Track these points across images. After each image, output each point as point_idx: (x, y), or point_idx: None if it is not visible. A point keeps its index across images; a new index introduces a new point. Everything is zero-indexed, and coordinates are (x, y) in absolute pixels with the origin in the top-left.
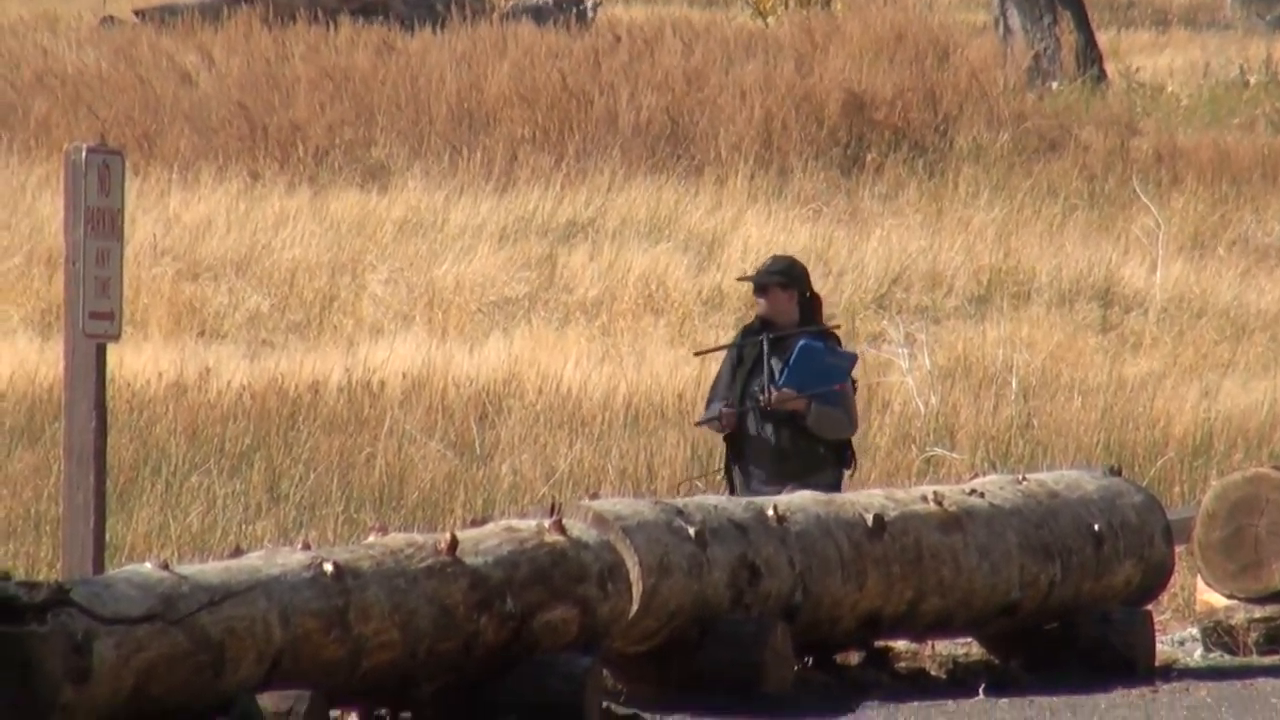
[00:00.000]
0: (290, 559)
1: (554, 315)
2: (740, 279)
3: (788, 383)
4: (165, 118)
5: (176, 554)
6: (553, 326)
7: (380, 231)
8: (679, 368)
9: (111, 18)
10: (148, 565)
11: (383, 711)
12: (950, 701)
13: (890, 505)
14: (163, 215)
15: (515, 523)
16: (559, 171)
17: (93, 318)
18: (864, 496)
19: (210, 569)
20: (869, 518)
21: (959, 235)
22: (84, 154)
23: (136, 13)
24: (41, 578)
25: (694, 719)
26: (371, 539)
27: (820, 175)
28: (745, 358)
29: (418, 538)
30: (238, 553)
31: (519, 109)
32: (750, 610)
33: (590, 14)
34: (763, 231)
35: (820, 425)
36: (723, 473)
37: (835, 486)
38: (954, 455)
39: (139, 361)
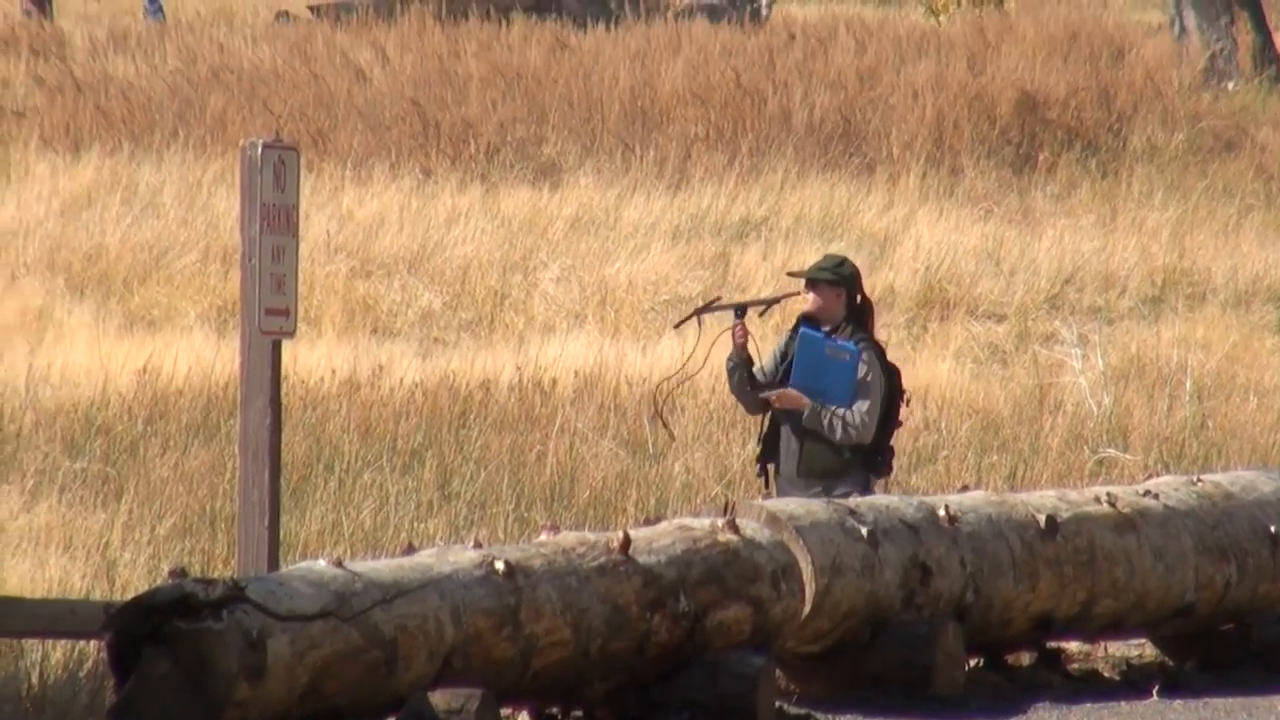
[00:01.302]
0: (462, 557)
1: (727, 314)
2: (791, 274)
3: (797, 381)
4: (339, 114)
5: (349, 551)
6: (725, 325)
7: (552, 229)
8: None
9: (287, 13)
10: (321, 562)
11: (554, 710)
12: (1123, 703)
13: (1063, 506)
14: (336, 212)
15: (688, 522)
16: (732, 170)
17: (268, 314)
18: (1036, 497)
19: (383, 566)
20: (1041, 519)
21: (1133, 235)
22: (260, 150)
23: (311, 8)
24: (217, 575)
25: (866, 718)
26: (543, 537)
27: (992, 174)
28: (789, 350)
29: (590, 536)
30: (410, 550)
31: (692, 107)
32: (922, 610)
33: (765, 12)
34: (934, 230)
35: (815, 426)
36: (759, 468)
37: (863, 493)
38: (1127, 456)
39: (313, 358)
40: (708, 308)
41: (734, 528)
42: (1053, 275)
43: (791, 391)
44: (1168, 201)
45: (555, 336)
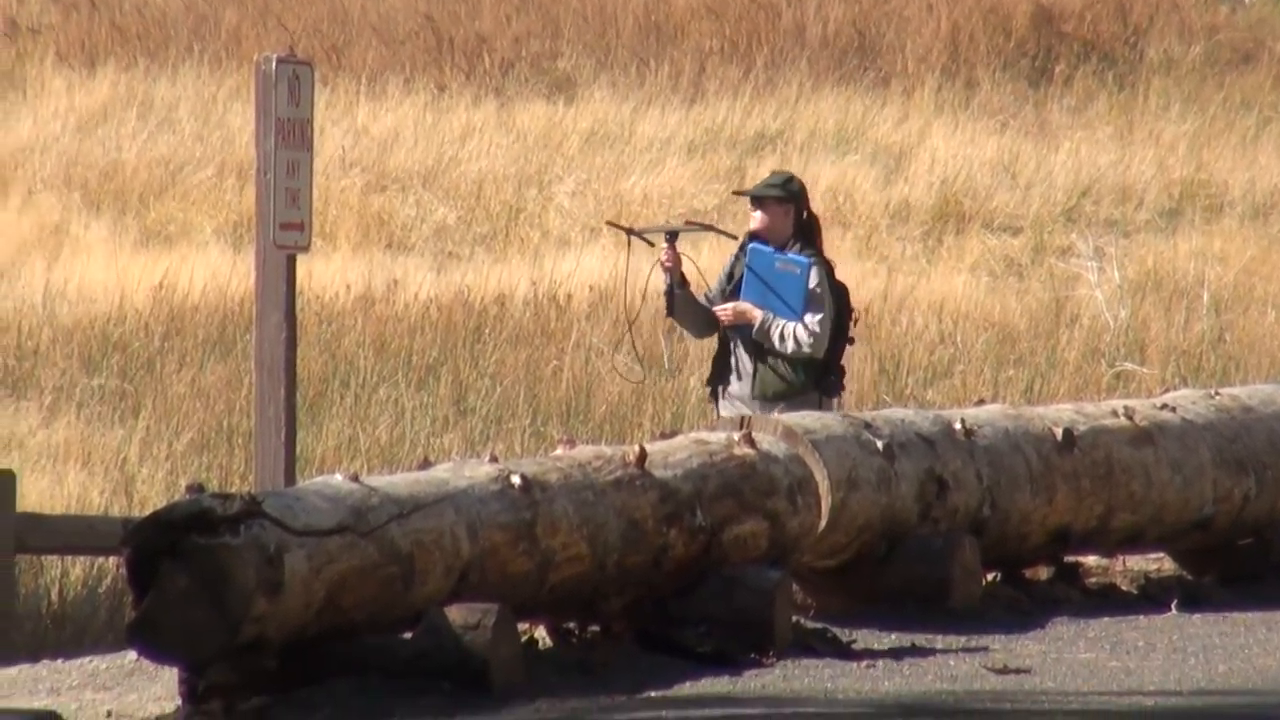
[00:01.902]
0: (478, 471)
1: (741, 226)
2: (737, 192)
3: (747, 296)
4: (353, 29)
5: (365, 466)
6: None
7: (567, 144)
8: (866, 281)
9: None
10: (338, 477)
11: (571, 625)
12: (1142, 617)
13: (1080, 419)
14: (350, 127)
15: (704, 435)
16: (747, 83)
17: (283, 229)
18: (1053, 411)
19: (399, 481)
20: (1058, 432)
21: (1150, 148)
22: (274, 65)
23: None
24: (234, 490)
25: (882, 633)
26: (559, 452)
27: (1008, 87)
28: (735, 271)
29: (606, 450)
30: (425, 465)
31: (707, 21)
32: (938, 525)
33: None
34: (949, 143)
35: (765, 340)
36: (709, 392)
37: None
38: (1144, 370)
39: (328, 274)
40: (640, 232)
41: (750, 441)
42: (1069, 188)
43: (742, 304)
44: (1185, 114)
45: (570, 251)
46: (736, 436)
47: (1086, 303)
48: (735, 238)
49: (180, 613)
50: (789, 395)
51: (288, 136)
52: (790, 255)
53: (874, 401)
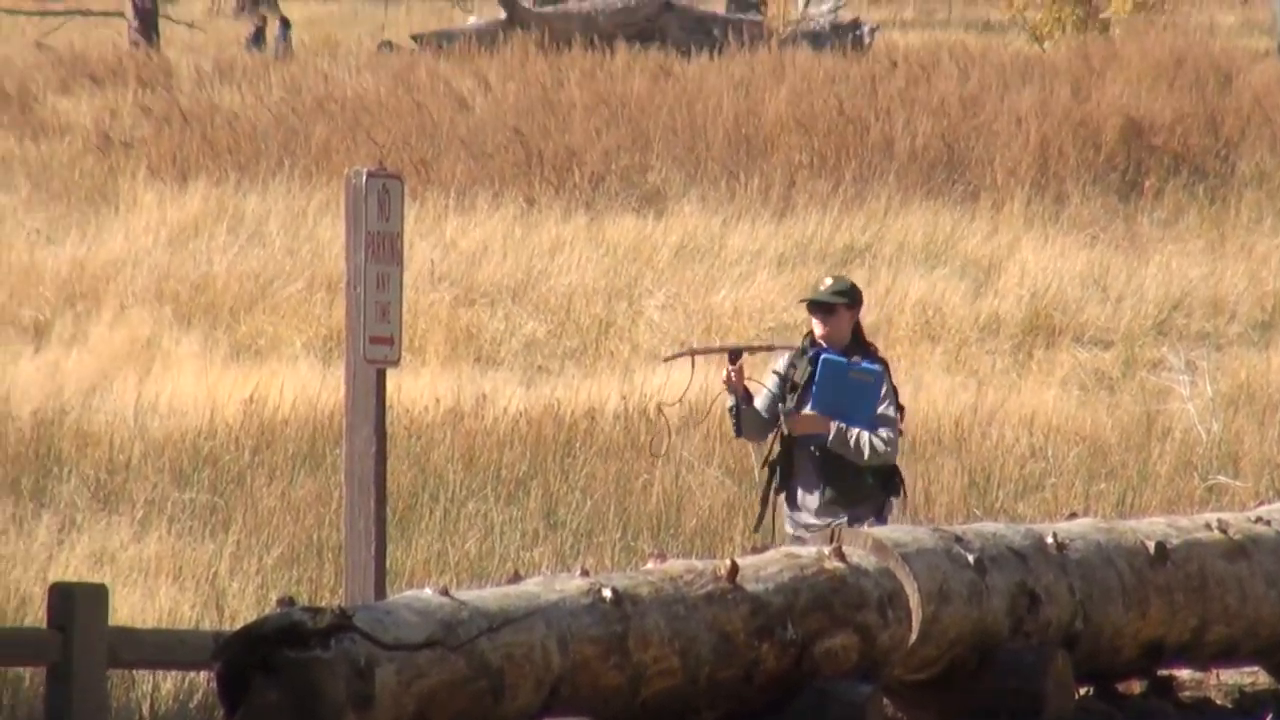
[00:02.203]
0: (568, 585)
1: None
2: (803, 300)
3: (817, 406)
4: (442, 143)
5: (455, 580)
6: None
7: (656, 257)
8: (956, 394)
9: (390, 43)
10: (428, 591)
11: None
12: None
13: (1173, 533)
14: (440, 241)
15: (795, 549)
16: (836, 197)
17: (373, 342)
18: (1145, 524)
19: (489, 595)
20: (1151, 545)
21: (1242, 261)
22: (364, 178)
23: (414, 38)
24: (324, 604)
25: None
26: (650, 565)
27: (1098, 201)
28: (794, 378)
29: (697, 564)
30: (516, 579)
31: (796, 135)
32: (1030, 638)
33: (868, 39)
34: (1039, 257)
35: (842, 448)
36: (763, 499)
37: (879, 516)
38: (1238, 483)
39: (417, 388)
40: (702, 350)
41: (840, 555)
42: (1160, 301)
43: (813, 414)
44: (1277, 227)
45: (661, 365)
46: (827, 550)
47: (1179, 416)
48: (794, 348)
49: None
50: (861, 501)
51: (377, 250)
52: (864, 364)
53: (964, 515)
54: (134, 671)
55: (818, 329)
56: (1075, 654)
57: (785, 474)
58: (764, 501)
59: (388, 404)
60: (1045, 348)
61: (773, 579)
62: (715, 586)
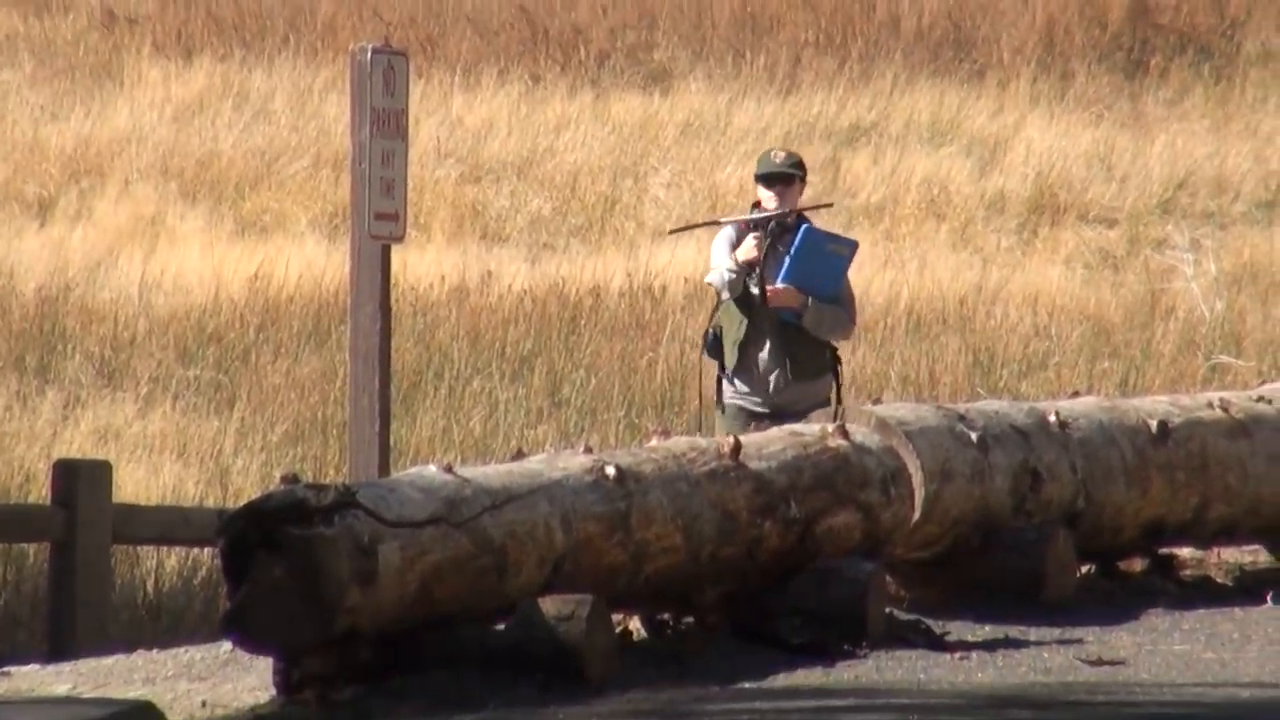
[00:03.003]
0: (572, 463)
1: (837, 219)
2: (759, 175)
3: (790, 276)
4: (448, 20)
5: (459, 458)
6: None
7: (662, 135)
8: (961, 273)
9: None
10: (431, 468)
11: (665, 616)
12: (1237, 609)
13: (1175, 412)
14: (445, 118)
15: (798, 427)
16: (842, 75)
17: (378, 219)
18: (1148, 403)
19: (492, 472)
20: (1153, 424)
21: (1247, 140)
22: (370, 54)
23: None
24: (329, 481)
25: (976, 625)
26: (654, 443)
27: (1103, 79)
28: (754, 250)
29: (700, 442)
30: (519, 456)
31: (802, 12)
32: (1032, 517)
33: None
34: (1044, 135)
35: (819, 326)
36: (716, 386)
37: (825, 394)
38: (1240, 363)
39: (422, 265)
40: (708, 223)
41: (844, 433)
42: (1165, 180)
43: (790, 288)
44: None
45: (665, 242)
46: (830, 428)
47: (1182, 295)
48: (827, 204)
49: (275, 603)
50: (819, 374)
51: (383, 126)
52: (843, 238)
53: (968, 393)
54: (138, 548)
55: (771, 202)
56: (1077, 533)
57: (744, 347)
58: (716, 382)
59: (393, 281)
60: (1050, 226)
61: (775, 457)
62: (718, 464)
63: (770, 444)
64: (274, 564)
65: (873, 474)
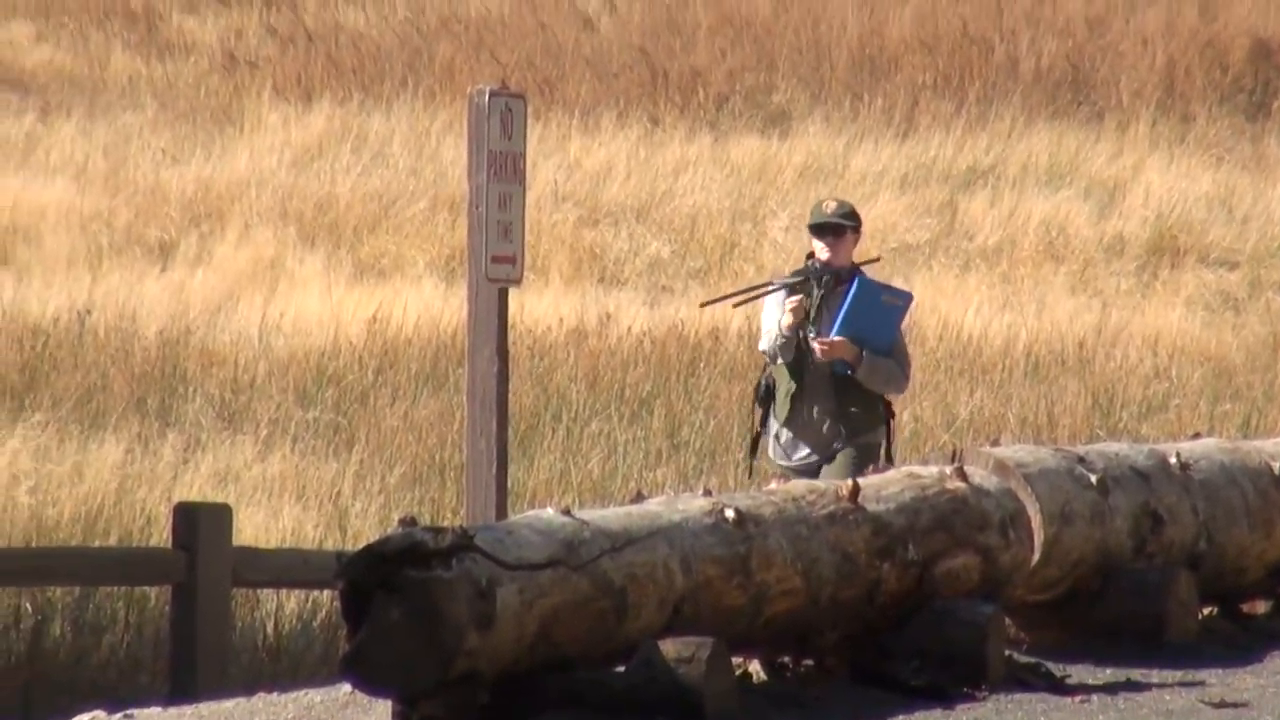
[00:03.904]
0: (691, 505)
1: (954, 262)
2: (812, 225)
3: (844, 328)
4: (566, 63)
5: (577, 500)
6: (953, 273)
7: (780, 178)
8: (1080, 315)
9: None
10: (549, 511)
11: (785, 659)
12: None
13: None
14: (563, 161)
15: (917, 469)
16: (959, 118)
17: (495, 262)
18: (1270, 445)
19: (611, 515)
20: (1275, 466)
21: None
22: (487, 97)
23: None
24: (446, 524)
25: (1097, 668)
26: (773, 485)
27: (1224, 122)
28: (805, 303)
29: (819, 485)
30: (638, 499)
31: (920, 55)
32: (1153, 559)
33: None
34: (1164, 178)
35: (872, 378)
36: (750, 436)
37: (879, 449)
38: None
39: (540, 307)
40: (737, 295)
41: (962, 475)
42: None
43: (844, 341)
44: None
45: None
46: (949, 470)
47: None
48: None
49: (393, 646)
50: (871, 428)
51: (500, 169)
52: (897, 290)
53: (1088, 436)
54: (258, 591)
55: (824, 253)
56: (1199, 574)
57: (795, 400)
58: (755, 437)
59: (510, 324)
60: (1170, 269)
61: (894, 499)
62: (837, 506)
63: (888, 486)
64: (392, 606)
65: (991, 516)
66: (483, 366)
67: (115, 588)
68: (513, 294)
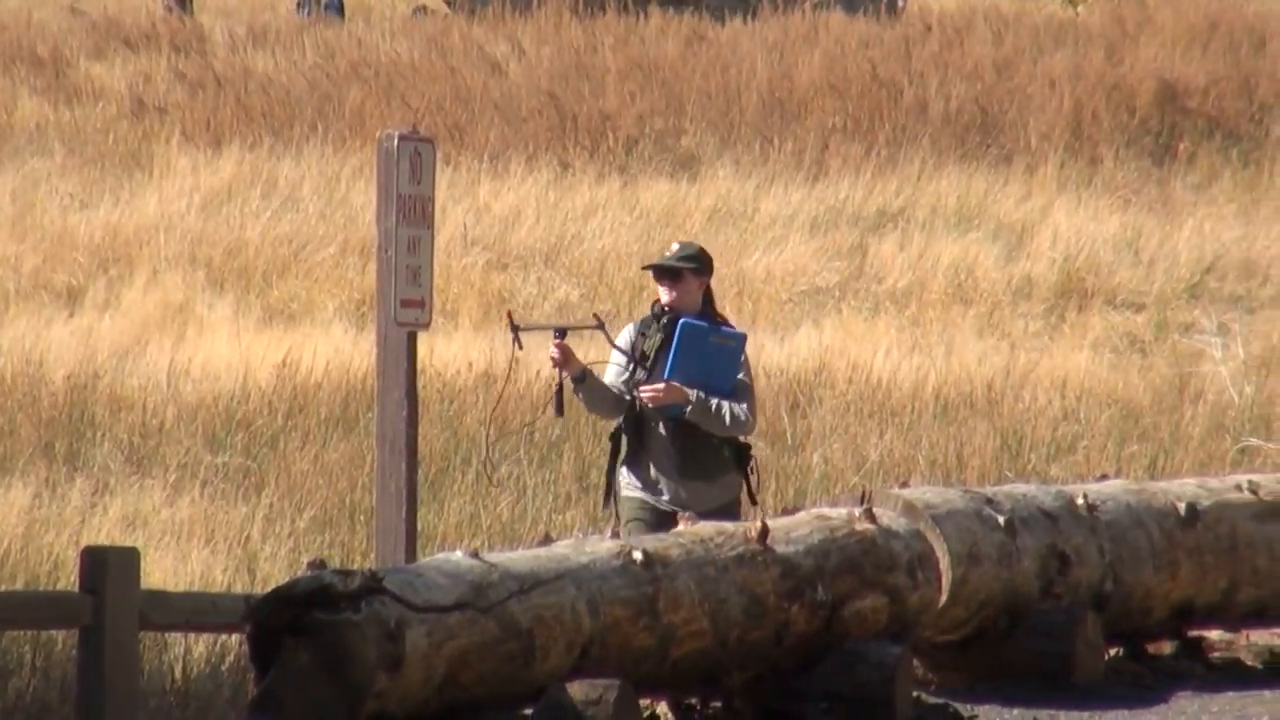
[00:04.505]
0: (599, 547)
1: (864, 305)
2: (646, 267)
3: (673, 373)
4: (476, 107)
5: (487, 543)
6: (863, 316)
7: (690, 221)
8: (988, 357)
9: (424, 8)
10: (458, 554)
11: (693, 700)
12: (1266, 691)
13: (1203, 494)
14: (473, 205)
15: (826, 511)
16: (869, 161)
17: (404, 306)
18: (1176, 486)
19: (519, 557)
20: (1181, 507)
21: (1275, 224)
22: (396, 141)
23: (447, 2)
24: (356, 566)
25: (1005, 709)
26: (681, 527)
27: (1131, 164)
28: (642, 344)
29: (728, 526)
30: (546, 541)
31: (829, 98)
32: (1060, 600)
33: (900, 3)
34: (1072, 220)
35: (706, 420)
36: (608, 476)
37: (731, 493)
38: (1270, 445)
39: (449, 351)
40: (526, 328)
41: (871, 516)
42: (1193, 264)
43: (673, 384)
44: None
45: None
46: (858, 512)
47: (1211, 379)
48: (621, 349)
49: (303, 688)
50: (718, 474)
51: (409, 214)
52: (726, 330)
53: (996, 477)
54: (166, 635)
55: (664, 296)
56: (1105, 615)
57: (634, 448)
58: (609, 473)
59: (420, 368)
60: (1078, 311)
61: (803, 541)
62: (745, 548)
63: (797, 528)
64: (301, 649)
65: (900, 557)
66: (392, 410)
67: (22, 631)
68: (422, 338)
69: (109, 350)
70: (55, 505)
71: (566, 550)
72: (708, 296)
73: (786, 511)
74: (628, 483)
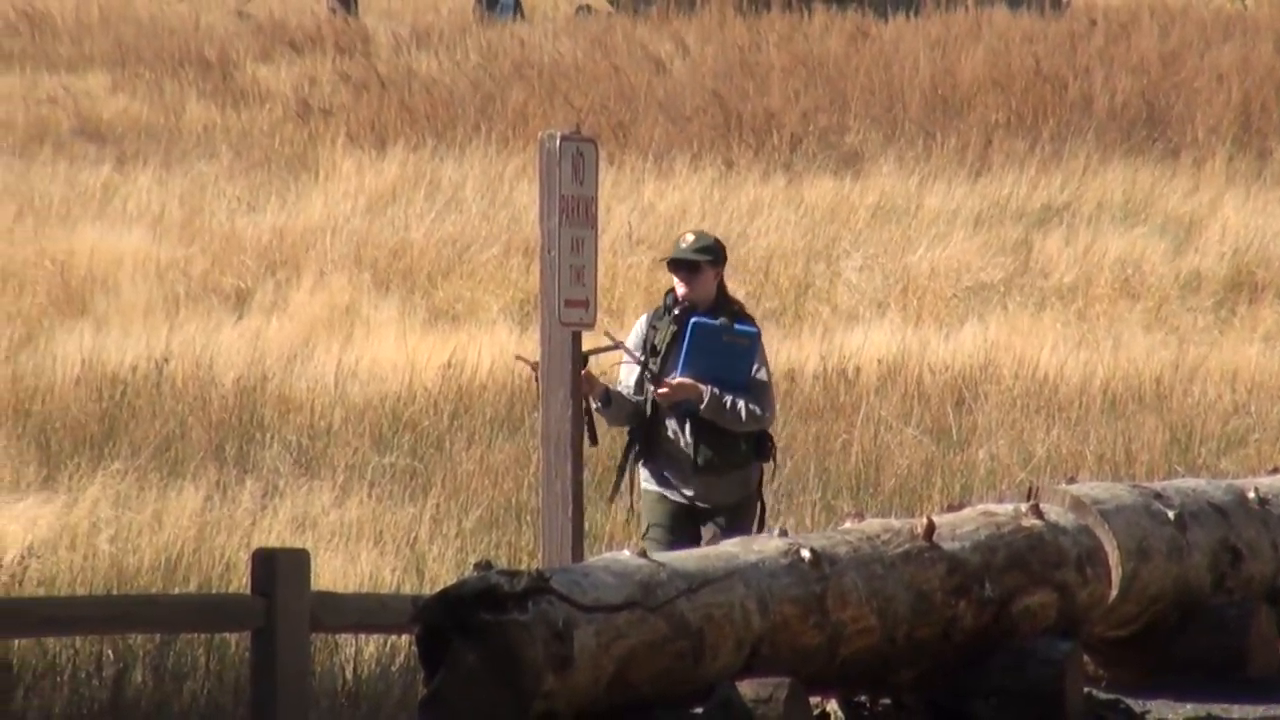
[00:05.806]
0: (768, 546)
1: (1029, 300)
2: (662, 259)
3: (686, 371)
4: (639, 106)
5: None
6: (1028, 312)
7: (854, 218)
8: (1156, 352)
9: (587, 7)
10: (626, 553)
11: (862, 698)
12: None
13: None
14: (638, 204)
15: (992, 507)
16: (1033, 156)
17: (568, 306)
18: None
19: (688, 556)
20: None
21: None
22: (558, 142)
23: (611, 1)
24: (522, 567)
25: (1178, 704)
26: (848, 525)
27: None
28: (656, 342)
29: (894, 523)
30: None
31: (993, 94)
32: (1232, 594)
33: None
34: (1241, 214)
35: (719, 416)
36: (619, 472)
37: (749, 486)
38: None
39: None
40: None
41: (1038, 512)
42: None
43: (686, 380)
44: None
45: (859, 325)
46: (1024, 508)
47: None
48: (641, 361)
49: (471, 689)
50: (735, 467)
51: (572, 214)
52: (739, 327)
53: (1166, 472)
54: (337, 636)
55: (680, 288)
56: (1278, 609)
57: (649, 441)
58: (621, 470)
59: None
60: (1248, 304)
61: (969, 537)
62: (912, 545)
63: (963, 524)
64: (469, 650)
65: (1068, 553)
66: (557, 410)
67: (195, 634)
68: (586, 337)
69: (277, 353)
70: (226, 508)
71: (735, 549)
72: (721, 287)
73: (952, 507)
74: (645, 477)
